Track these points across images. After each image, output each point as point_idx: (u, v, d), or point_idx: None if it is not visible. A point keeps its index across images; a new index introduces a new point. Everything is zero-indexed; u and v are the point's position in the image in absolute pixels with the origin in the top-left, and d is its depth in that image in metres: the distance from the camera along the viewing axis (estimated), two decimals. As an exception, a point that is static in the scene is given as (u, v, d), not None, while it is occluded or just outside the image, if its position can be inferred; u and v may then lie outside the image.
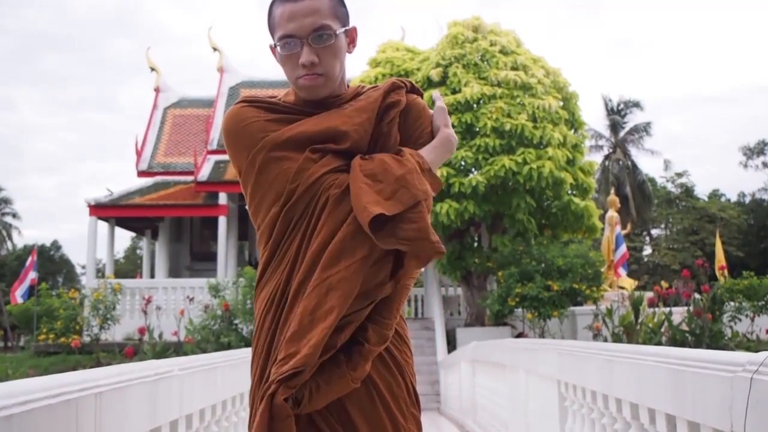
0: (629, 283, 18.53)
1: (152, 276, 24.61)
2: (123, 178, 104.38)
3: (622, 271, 19.33)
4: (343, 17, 1.94)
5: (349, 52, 1.97)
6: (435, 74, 17.18)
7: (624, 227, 24.62)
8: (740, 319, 13.98)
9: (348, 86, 2.03)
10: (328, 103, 1.95)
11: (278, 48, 1.90)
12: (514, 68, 17.23)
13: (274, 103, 1.98)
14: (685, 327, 13.15)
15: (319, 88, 1.90)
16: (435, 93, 2.10)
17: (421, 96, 2.07)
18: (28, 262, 20.98)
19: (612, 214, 20.31)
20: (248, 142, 1.90)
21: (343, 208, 1.80)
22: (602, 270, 16.52)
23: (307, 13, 1.86)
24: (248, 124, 1.92)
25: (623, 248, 19.34)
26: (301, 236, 1.84)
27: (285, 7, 1.88)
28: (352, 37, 1.97)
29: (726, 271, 17.10)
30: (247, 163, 1.90)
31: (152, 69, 25.65)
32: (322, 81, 1.89)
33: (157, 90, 25.74)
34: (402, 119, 1.97)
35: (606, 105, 44.86)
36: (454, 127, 16.40)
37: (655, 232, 45.68)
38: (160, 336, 15.18)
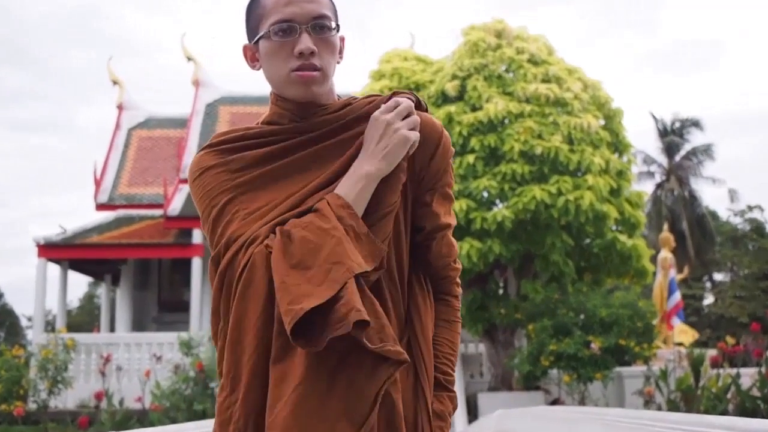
0: (687, 336, 18.42)
1: (112, 330, 24.55)
2: (78, 213, 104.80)
3: (676, 322, 19.24)
4: (336, 18, 2.02)
5: (338, 62, 2.02)
6: (451, 88, 17.25)
7: (680, 271, 24.56)
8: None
9: (338, 97, 2.07)
10: (314, 114, 1.99)
11: (269, 37, 1.94)
12: (546, 81, 17.30)
13: (242, 138, 2.01)
14: (756, 392, 13.03)
15: (315, 84, 1.95)
16: (399, 97, 2.00)
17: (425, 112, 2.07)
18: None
19: (666, 255, 20.26)
20: (202, 202, 1.97)
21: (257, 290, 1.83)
22: (654, 323, 16.43)
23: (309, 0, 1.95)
24: (201, 176, 1.98)
25: (677, 295, 19.29)
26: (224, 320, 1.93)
27: None
28: (341, 45, 2.04)
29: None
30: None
31: (114, 83, 25.86)
32: (319, 77, 1.94)
33: (119, 107, 25.92)
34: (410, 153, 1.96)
35: (657, 124, 44.94)
36: (474, 151, 16.44)
37: (718, 277, 45.48)
38: (121, 402, 15.06)
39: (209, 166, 1.96)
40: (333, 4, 2.02)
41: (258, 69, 2.03)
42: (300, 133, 1.98)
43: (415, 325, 1.97)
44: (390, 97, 2.00)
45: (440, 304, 2.07)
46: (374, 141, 1.89)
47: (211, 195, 1.94)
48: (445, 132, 2.03)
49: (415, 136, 1.89)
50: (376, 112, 1.93)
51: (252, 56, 2.03)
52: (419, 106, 2.03)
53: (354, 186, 1.86)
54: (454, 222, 2.07)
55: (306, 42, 1.91)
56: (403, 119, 1.92)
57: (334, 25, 1.97)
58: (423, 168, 1.99)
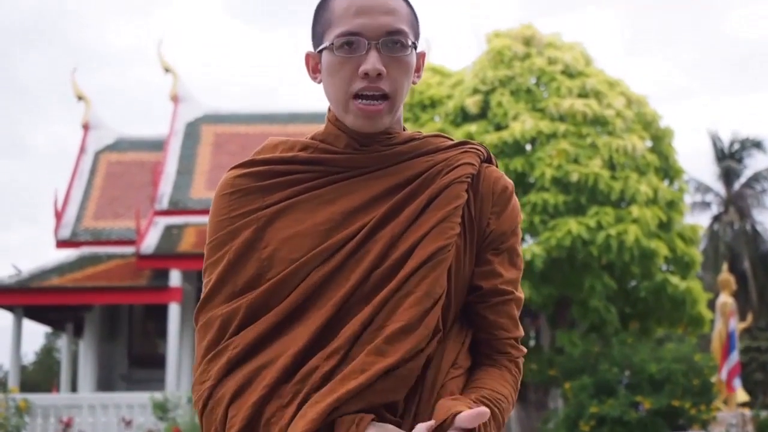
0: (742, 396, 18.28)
1: (74, 389, 24.50)
2: (36, 251, 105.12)
3: (737, 385, 19.06)
4: (417, 34, 2.01)
5: (414, 83, 2.03)
6: (472, 104, 17.32)
7: (743, 318, 24.35)
8: None
9: (404, 128, 2.09)
10: (375, 142, 2.00)
11: (332, 50, 1.93)
12: (583, 95, 17.35)
13: (291, 161, 2.01)
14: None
15: (379, 117, 1.94)
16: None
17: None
18: None
19: (726, 299, 20.09)
20: (219, 226, 1.99)
21: None
22: (713, 380, 16.32)
23: (384, 11, 1.93)
24: (231, 195, 1.99)
25: (736, 355, 19.10)
26: None
27: None
28: (419, 63, 2.04)
29: None
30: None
31: (79, 98, 26.00)
32: (385, 108, 1.94)
33: (85, 127, 26.06)
34: (471, 211, 2.00)
35: (715, 146, 44.90)
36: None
37: (787, 324, 45.26)
38: (84, 475, 14.97)
39: (240, 188, 1.98)
40: (414, 14, 2.01)
41: (319, 82, 2.03)
42: (354, 168, 1.99)
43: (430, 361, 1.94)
44: (460, 144, 2.04)
45: (488, 366, 2.03)
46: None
47: (229, 219, 1.96)
48: (514, 192, 2.08)
49: None
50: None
51: (314, 66, 2.04)
52: (489, 160, 2.07)
53: None
54: (519, 294, 2.04)
55: (373, 61, 1.89)
56: None
57: (410, 42, 1.95)
58: (489, 227, 2.01)
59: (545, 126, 16.64)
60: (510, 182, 2.06)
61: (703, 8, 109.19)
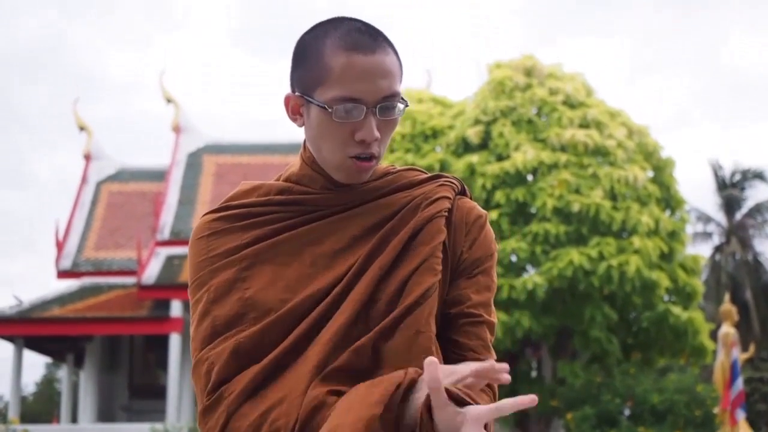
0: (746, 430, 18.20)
1: (74, 420, 24.44)
2: (36, 281, 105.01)
3: (741, 415, 19.01)
4: (401, 80, 2.01)
5: None
6: (473, 134, 17.35)
7: (745, 349, 24.30)
8: None
9: None
10: (350, 186, 1.99)
11: (325, 110, 1.89)
12: (584, 126, 17.41)
13: (266, 204, 2.00)
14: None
15: (367, 172, 1.95)
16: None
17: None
18: None
19: (728, 330, 20.06)
20: (198, 268, 1.97)
21: None
22: (716, 411, 16.30)
23: (383, 73, 1.90)
24: (206, 239, 1.98)
25: (739, 384, 19.06)
26: None
27: (355, 59, 1.88)
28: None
29: None
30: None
31: (81, 128, 26.11)
32: (374, 164, 1.95)
33: (87, 157, 26.14)
34: (446, 242, 1.99)
35: (716, 176, 44.94)
36: (499, 206, 16.48)
37: (790, 355, 45.14)
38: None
39: (218, 230, 1.97)
40: (400, 63, 1.99)
41: (300, 125, 1.99)
42: (333, 206, 1.99)
43: None
44: (435, 178, 2.06)
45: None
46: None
47: (209, 259, 1.95)
48: (488, 221, 2.08)
49: None
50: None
51: (295, 108, 1.99)
52: (463, 192, 2.07)
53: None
54: (491, 318, 2.01)
55: (371, 129, 1.88)
56: None
57: (401, 99, 1.94)
58: (462, 255, 2.00)
59: (546, 156, 16.67)
60: (483, 212, 2.06)
61: (703, 37, 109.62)
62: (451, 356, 1.96)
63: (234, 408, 1.80)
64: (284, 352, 1.84)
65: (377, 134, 1.88)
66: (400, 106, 1.94)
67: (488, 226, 2.06)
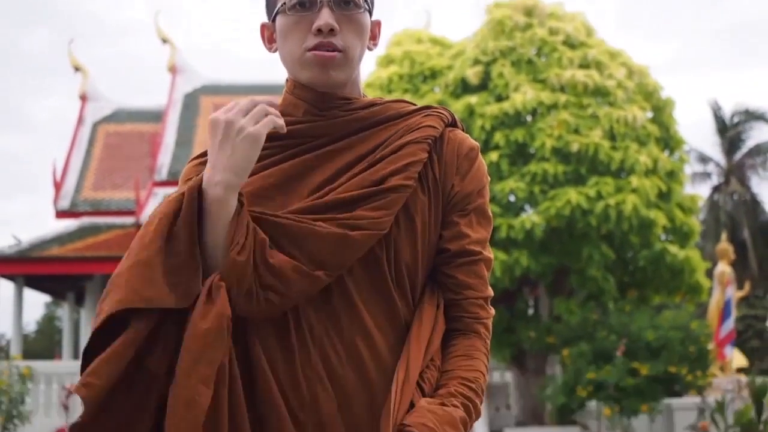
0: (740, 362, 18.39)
1: (76, 356, 24.61)
2: (36, 221, 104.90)
3: (729, 351, 19.31)
4: (371, 1, 2.09)
5: (370, 49, 2.10)
6: (473, 75, 17.34)
7: (740, 287, 24.56)
8: None
9: (363, 94, 2.13)
10: (334, 107, 2.04)
11: (285, 12, 1.99)
12: (584, 66, 17.39)
13: None
14: (828, 427, 13.15)
15: (334, 67, 1.98)
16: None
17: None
18: None
19: (724, 268, 20.25)
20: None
21: None
22: (710, 347, 16.50)
23: None
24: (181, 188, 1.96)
25: (731, 322, 19.34)
26: None
27: None
28: (374, 30, 2.11)
29: None
30: None
31: (77, 69, 26.09)
32: (339, 58, 1.97)
33: (83, 98, 26.13)
34: (435, 174, 2.05)
35: (715, 117, 44.87)
36: (498, 148, 16.59)
37: (786, 294, 45.40)
38: (89, 441, 15.20)
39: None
40: None
41: (274, 51, 2.08)
42: (316, 137, 2.02)
43: (410, 332, 1.98)
44: (422, 109, 2.10)
45: (458, 338, 2.04)
46: (214, 149, 1.84)
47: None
48: (479, 153, 2.12)
49: (264, 129, 1.86)
50: (214, 114, 1.87)
51: (269, 37, 2.09)
52: (454, 124, 2.12)
53: (206, 216, 1.85)
54: (488, 254, 2.07)
55: (325, 17, 1.94)
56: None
57: (363, 2, 2.01)
58: (454, 189, 2.04)
59: (546, 97, 16.65)
60: (475, 144, 2.09)
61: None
62: (449, 294, 2.04)
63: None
64: None
65: (332, 22, 1.94)
66: (363, 8, 2.01)
67: (480, 158, 2.09)
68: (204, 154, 2.00)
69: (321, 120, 2.02)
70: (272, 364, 1.86)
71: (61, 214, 23.68)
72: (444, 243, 2.02)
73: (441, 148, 2.05)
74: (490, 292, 2.07)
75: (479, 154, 2.10)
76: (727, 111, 44.92)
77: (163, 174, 23.21)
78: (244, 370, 1.85)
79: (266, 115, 1.86)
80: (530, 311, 18.46)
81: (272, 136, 1.93)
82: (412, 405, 1.87)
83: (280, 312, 1.86)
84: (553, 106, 16.79)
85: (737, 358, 18.76)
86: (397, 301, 1.96)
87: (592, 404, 16.27)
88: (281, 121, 1.88)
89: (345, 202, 1.91)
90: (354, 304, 1.92)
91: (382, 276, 1.95)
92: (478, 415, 1.94)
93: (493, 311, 2.09)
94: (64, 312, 29.54)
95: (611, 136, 16.71)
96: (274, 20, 2.04)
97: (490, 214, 2.11)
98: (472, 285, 2.03)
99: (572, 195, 15.90)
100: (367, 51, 2.09)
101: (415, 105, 2.13)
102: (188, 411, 1.71)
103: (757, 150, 43.68)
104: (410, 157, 1.96)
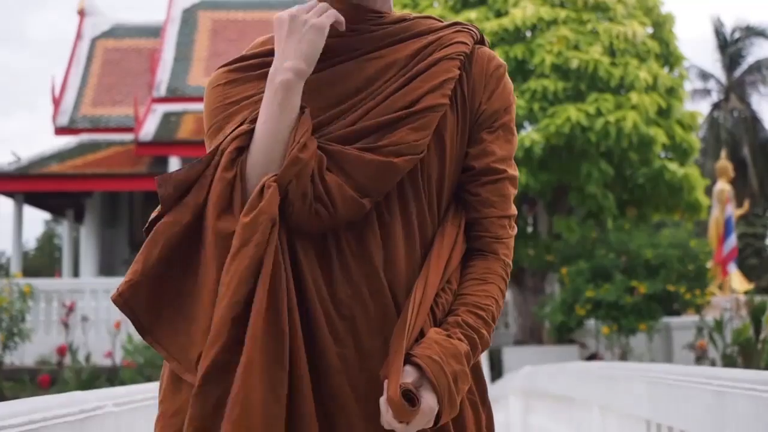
0: (741, 287, 18.45)
1: (76, 274, 24.69)
2: (35, 138, 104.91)
3: (733, 269, 19.29)
4: None
5: None
6: (472, -11, 17.17)
7: (740, 205, 24.53)
8: None
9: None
10: (365, 21, 2.02)
11: None
12: (584, -20, 17.19)
13: (269, 54, 1.99)
14: (825, 345, 13.11)
15: None
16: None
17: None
18: None
19: (723, 186, 20.24)
20: (211, 117, 2.02)
21: None
22: (708, 265, 16.49)
23: None
24: (215, 89, 2.02)
25: (733, 239, 19.28)
26: None
27: None
28: None
29: None
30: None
31: (74, -17, 25.67)
32: None
33: (81, 13, 25.79)
34: (464, 91, 2.02)
35: (716, 33, 44.56)
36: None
37: (784, 212, 45.48)
38: (88, 358, 15.21)
39: (233, 80, 2.01)
40: None
41: None
42: (347, 51, 2.00)
43: (431, 250, 1.98)
44: (452, 25, 2.06)
45: (477, 259, 2.05)
46: (282, 41, 1.92)
47: (224, 106, 1.98)
48: (506, 72, 2.09)
49: (328, 20, 1.92)
50: (278, 14, 1.96)
51: None
52: (482, 41, 2.09)
53: (271, 104, 1.89)
54: (513, 172, 2.07)
55: None
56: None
57: None
58: (481, 107, 2.03)
59: (546, 12, 16.54)
60: (503, 62, 2.08)
61: None
62: (472, 212, 2.05)
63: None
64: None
65: None
66: None
67: (507, 77, 2.08)
68: (232, 62, 2.04)
69: (351, 36, 2.01)
70: (316, 284, 1.88)
71: (60, 130, 23.49)
72: (469, 160, 2.03)
73: (470, 65, 2.04)
74: (514, 210, 2.09)
75: (506, 72, 2.09)
76: (728, 27, 44.63)
77: (162, 90, 22.94)
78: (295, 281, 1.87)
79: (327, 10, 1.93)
80: (529, 229, 18.44)
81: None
82: (422, 332, 1.89)
83: (321, 230, 1.88)
84: (553, 22, 16.69)
85: (740, 282, 18.75)
86: (428, 219, 1.99)
87: (591, 323, 16.36)
88: (342, 18, 1.93)
89: (385, 125, 1.92)
90: (387, 223, 1.93)
91: (416, 194, 1.96)
92: (485, 345, 1.97)
93: (515, 230, 2.11)
94: (63, 229, 29.59)
95: (611, 52, 16.67)
96: None
97: (515, 131, 2.10)
98: (495, 203, 2.04)
99: (572, 112, 15.85)
100: None
101: (443, 21, 2.10)
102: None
103: (758, 66, 43.52)
104: (445, 73, 1.96)
